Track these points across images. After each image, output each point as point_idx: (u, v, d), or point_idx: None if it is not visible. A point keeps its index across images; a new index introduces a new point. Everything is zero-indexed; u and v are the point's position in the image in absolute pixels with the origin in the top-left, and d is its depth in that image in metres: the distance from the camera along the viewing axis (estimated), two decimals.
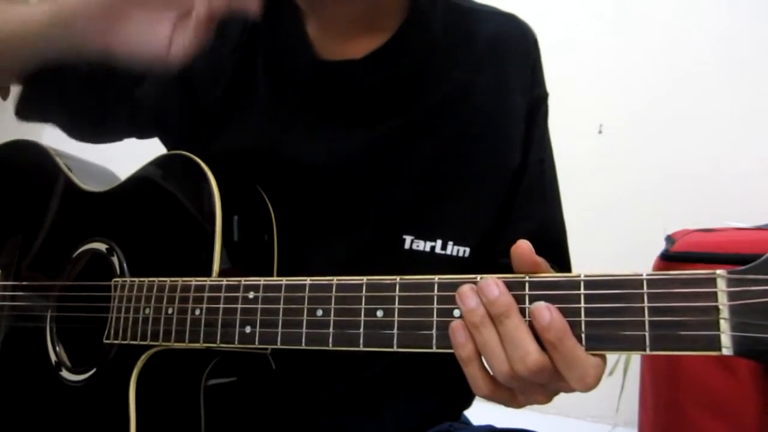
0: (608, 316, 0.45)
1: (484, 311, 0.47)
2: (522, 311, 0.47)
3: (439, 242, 0.69)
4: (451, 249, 0.69)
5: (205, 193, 0.65)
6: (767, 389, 1.13)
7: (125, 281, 0.66)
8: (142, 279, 0.65)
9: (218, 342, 0.59)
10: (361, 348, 0.52)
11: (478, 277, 0.49)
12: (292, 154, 0.71)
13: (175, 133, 0.78)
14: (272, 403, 0.72)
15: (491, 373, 0.48)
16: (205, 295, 0.60)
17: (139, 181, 0.73)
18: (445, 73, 0.72)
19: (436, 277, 0.51)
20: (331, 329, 0.54)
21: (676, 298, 0.44)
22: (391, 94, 0.71)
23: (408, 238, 0.69)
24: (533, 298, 0.47)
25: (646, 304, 0.44)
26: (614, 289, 0.45)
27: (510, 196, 0.72)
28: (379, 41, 0.71)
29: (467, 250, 0.70)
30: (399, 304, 0.51)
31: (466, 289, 0.49)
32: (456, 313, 0.49)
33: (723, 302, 0.42)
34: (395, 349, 0.51)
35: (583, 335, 0.46)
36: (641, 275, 0.45)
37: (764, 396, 1.13)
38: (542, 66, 0.78)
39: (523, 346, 0.46)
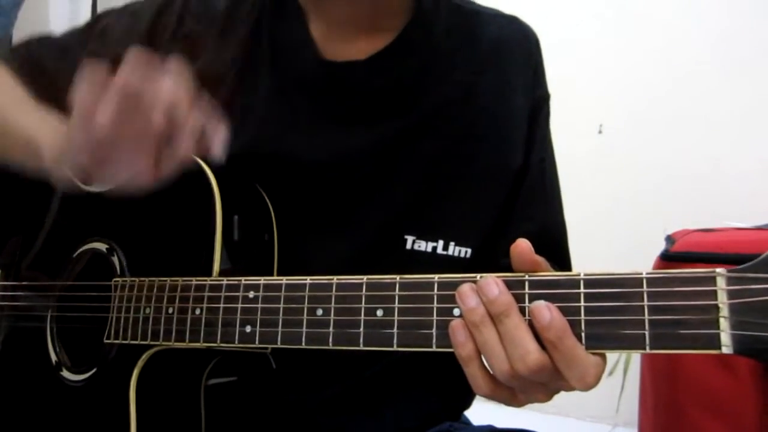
0: (608, 314, 0.45)
1: (484, 310, 0.47)
2: (522, 310, 0.47)
3: (440, 243, 0.70)
4: (453, 249, 0.70)
5: (206, 192, 0.65)
6: (767, 389, 1.13)
7: (125, 281, 0.66)
8: (142, 279, 0.65)
9: (218, 341, 0.59)
10: (362, 347, 0.52)
11: (478, 276, 0.49)
12: (294, 153, 0.71)
13: None
14: (272, 403, 0.72)
15: (491, 372, 0.48)
16: (206, 294, 0.60)
17: None
18: (448, 74, 0.73)
19: (436, 277, 0.51)
20: (331, 329, 0.54)
21: (676, 296, 0.44)
22: (394, 94, 0.72)
23: (410, 239, 0.69)
24: (533, 297, 0.47)
25: (645, 302, 0.44)
26: (614, 288, 0.45)
27: (511, 197, 0.72)
28: (383, 42, 0.71)
29: (469, 250, 0.70)
30: (399, 303, 0.51)
31: (466, 288, 0.49)
32: (456, 312, 0.49)
33: (723, 301, 0.42)
34: (395, 348, 0.51)
35: (583, 334, 0.46)
36: (641, 274, 0.45)
37: (764, 396, 1.13)
38: (544, 67, 0.78)
39: (523, 345, 0.46)
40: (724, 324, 0.42)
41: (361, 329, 0.52)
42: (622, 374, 1.62)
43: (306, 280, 0.56)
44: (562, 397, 0.51)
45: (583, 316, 0.46)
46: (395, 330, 0.51)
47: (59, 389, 0.69)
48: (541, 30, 0.79)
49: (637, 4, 2.07)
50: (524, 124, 0.74)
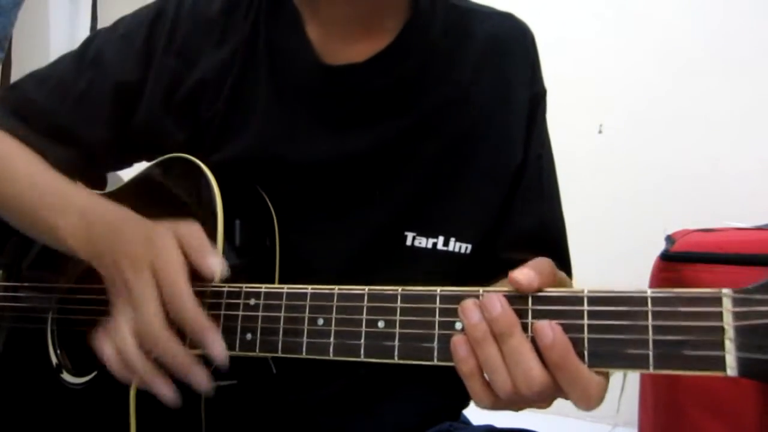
0: (612, 333, 0.45)
1: (486, 327, 0.47)
2: (524, 326, 0.47)
3: (441, 239, 0.70)
4: (453, 245, 0.70)
5: (207, 197, 0.64)
6: (767, 389, 1.13)
7: None
8: None
9: None
10: (362, 359, 0.52)
11: (480, 290, 0.49)
12: (294, 157, 0.71)
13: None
14: (272, 403, 0.72)
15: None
16: (207, 301, 0.60)
17: (141, 183, 0.73)
18: (447, 73, 0.73)
19: (438, 289, 0.50)
20: (332, 339, 0.53)
21: (681, 316, 0.43)
22: (393, 96, 0.72)
23: (410, 235, 0.69)
24: (536, 313, 0.47)
25: (650, 322, 0.44)
26: (618, 306, 0.45)
27: (511, 193, 0.73)
28: (381, 44, 0.71)
29: (469, 246, 0.70)
30: (400, 315, 0.51)
31: (469, 303, 0.48)
32: (458, 326, 0.49)
33: (728, 322, 0.41)
34: (396, 360, 0.51)
35: (585, 352, 0.45)
36: (646, 292, 0.44)
37: (764, 396, 1.13)
38: (540, 63, 0.78)
39: (526, 364, 0.46)
40: (729, 346, 0.41)
41: (362, 340, 0.52)
42: (623, 374, 1.61)
43: (307, 289, 0.55)
44: None
45: (586, 334, 0.45)
46: (396, 342, 0.51)
47: (60, 392, 0.69)
48: (541, 30, 0.79)
49: (637, 4, 2.07)
50: (523, 121, 0.74)
